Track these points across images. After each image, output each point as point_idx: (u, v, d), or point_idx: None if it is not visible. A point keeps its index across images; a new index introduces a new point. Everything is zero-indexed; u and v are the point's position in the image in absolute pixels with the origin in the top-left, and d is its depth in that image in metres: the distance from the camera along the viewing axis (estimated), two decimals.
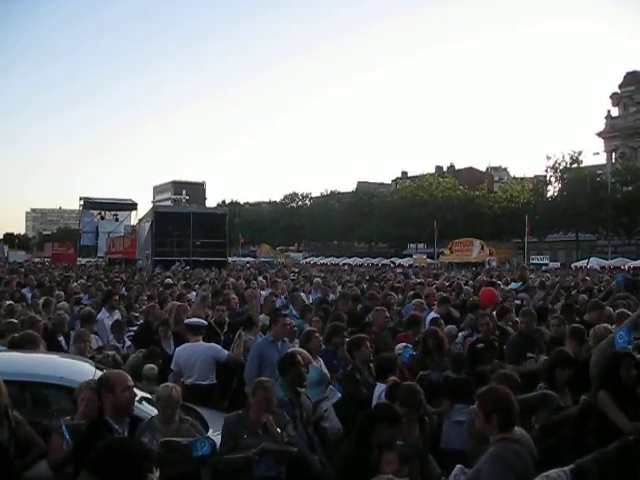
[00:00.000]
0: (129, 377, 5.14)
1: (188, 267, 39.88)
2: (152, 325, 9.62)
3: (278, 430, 5.40)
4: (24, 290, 18.07)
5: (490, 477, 4.15)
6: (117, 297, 12.88)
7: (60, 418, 4.94)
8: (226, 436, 5.44)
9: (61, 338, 9.20)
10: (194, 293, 16.86)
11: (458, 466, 4.57)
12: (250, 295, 11.32)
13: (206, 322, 9.06)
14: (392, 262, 70.81)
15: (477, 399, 4.60)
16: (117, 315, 11.48)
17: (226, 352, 8.32)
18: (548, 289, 14.31)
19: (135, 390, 5.17)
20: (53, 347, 8.40)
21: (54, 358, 7.15)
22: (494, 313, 10.00)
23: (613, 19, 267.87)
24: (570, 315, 9.83)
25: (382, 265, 65.09)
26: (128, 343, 9.71)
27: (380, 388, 6.40)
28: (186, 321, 8.95)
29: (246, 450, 5.21)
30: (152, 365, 8.33)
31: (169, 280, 22.08)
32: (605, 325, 8.06)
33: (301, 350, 6.93)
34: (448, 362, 7.36)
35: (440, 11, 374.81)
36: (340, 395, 6.79)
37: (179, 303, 11.35)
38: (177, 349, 8.44)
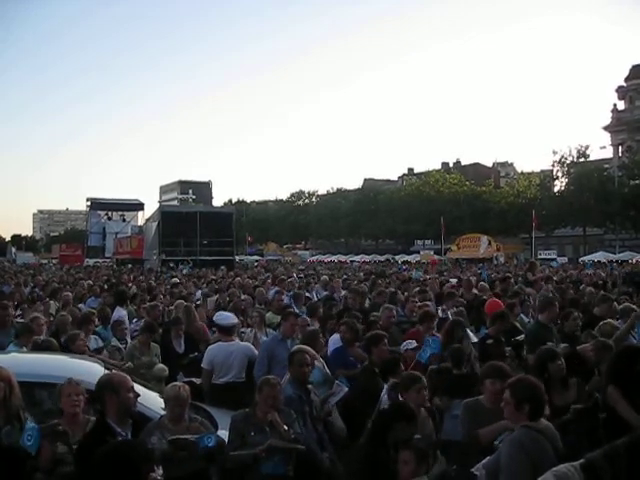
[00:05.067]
0: (130, 378, 5.16)
1: (191, 266, 39.96)
2: (154, 325, 9.60)
3: (285, 427, 5.41)
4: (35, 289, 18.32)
5: (507, 459, 4.30)
6: (130, 296, 13.01)
7: (29, 420, 4.86)
8: (233, 434, 5.45)
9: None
10: (199, 292, 16.96)
11: (488, 457, 4.63)
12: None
13: (237, 320, 9.12)
14: (394, 258, 70.79)
15: (508, 388, 4.67)
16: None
17: (257, 352, 8.44)
18: (554, 283, 14.33)
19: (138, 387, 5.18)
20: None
21: (64, 359, 7.18)
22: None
23: (619, 13, 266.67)
24: (576, 309, 9.87)
25: (387, 262, 64.88)
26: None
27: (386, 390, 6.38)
28: (217, 321, 8.97)
29: (253, 447, 5.22)
30: (163, 366, 8.35)
31: (176, 279, 22.12)
32: (610, 321, 8.07)
33: (306, 348, 6.90)
34: (448, 357, 7.35)
35: (445, 8, 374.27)
36: (347, 389, 6.80)
37: (186, 303, 11.37)
38: (211, 348, 8.47)
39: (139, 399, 5.15)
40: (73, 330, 8.75)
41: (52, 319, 10.79)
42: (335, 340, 8.58)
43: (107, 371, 5.97)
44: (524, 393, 4.54)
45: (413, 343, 8.16)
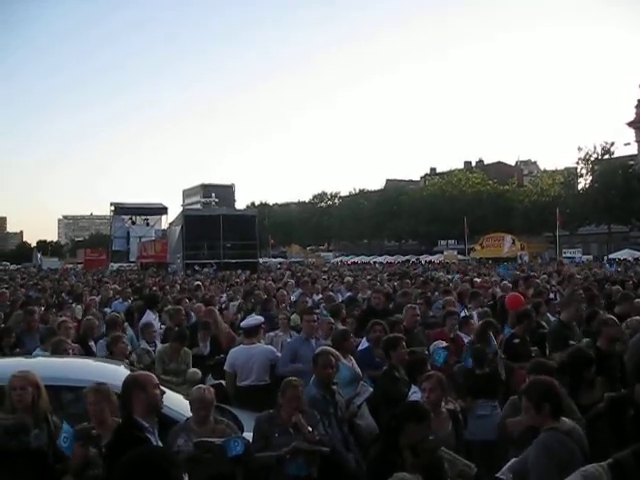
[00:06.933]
0: (155, 376, 5.18)
1: (215, 268, 40.15)
2: (184, 333, 9.62)
3: (309, 429, 5.40)
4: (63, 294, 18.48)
5: (534, 463, 4.29)
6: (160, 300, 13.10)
7: (65, 423, 4.88)
8: (257, 435, 5.46)
9: (92, 343, 9.30)
10: (224, 295, 17.00)
11: (513, 459, 4.61)
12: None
13: (262, 320, 9.15)
14: (417, 259, 70.47)
15: (524, 393, 4.64)
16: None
17: (279, 354, 8.46)
18: (577, 281, 14.21)
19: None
20: (84, 352, 8.50)
21: (89, 362, 7.25)
22: None
23: None
24: (597, 304, 9.81)
25: (411, 263, 64.49)
26: (160, 346, 9.73)
27: (414, 389, 6.34)
28: (242, 324, 9.09)
29: (278, 449, 5.22)
30: (196, 370, 8.39)
31: (199, 283, 22.19)
32: (639, 317, 7.96)
33: (331, 350, 6.86)
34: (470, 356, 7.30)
35: (467, 9, 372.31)
36: (371, 390, 6.78)
37: (209, 307, 11.40)
38: (232, 351, 8.56)
39: (164, 402, 5.15)
40: (114, 333, 8.83)
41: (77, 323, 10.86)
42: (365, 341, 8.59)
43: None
44: (541, 393, 4.49)
45: (442, 344, 8.13)
